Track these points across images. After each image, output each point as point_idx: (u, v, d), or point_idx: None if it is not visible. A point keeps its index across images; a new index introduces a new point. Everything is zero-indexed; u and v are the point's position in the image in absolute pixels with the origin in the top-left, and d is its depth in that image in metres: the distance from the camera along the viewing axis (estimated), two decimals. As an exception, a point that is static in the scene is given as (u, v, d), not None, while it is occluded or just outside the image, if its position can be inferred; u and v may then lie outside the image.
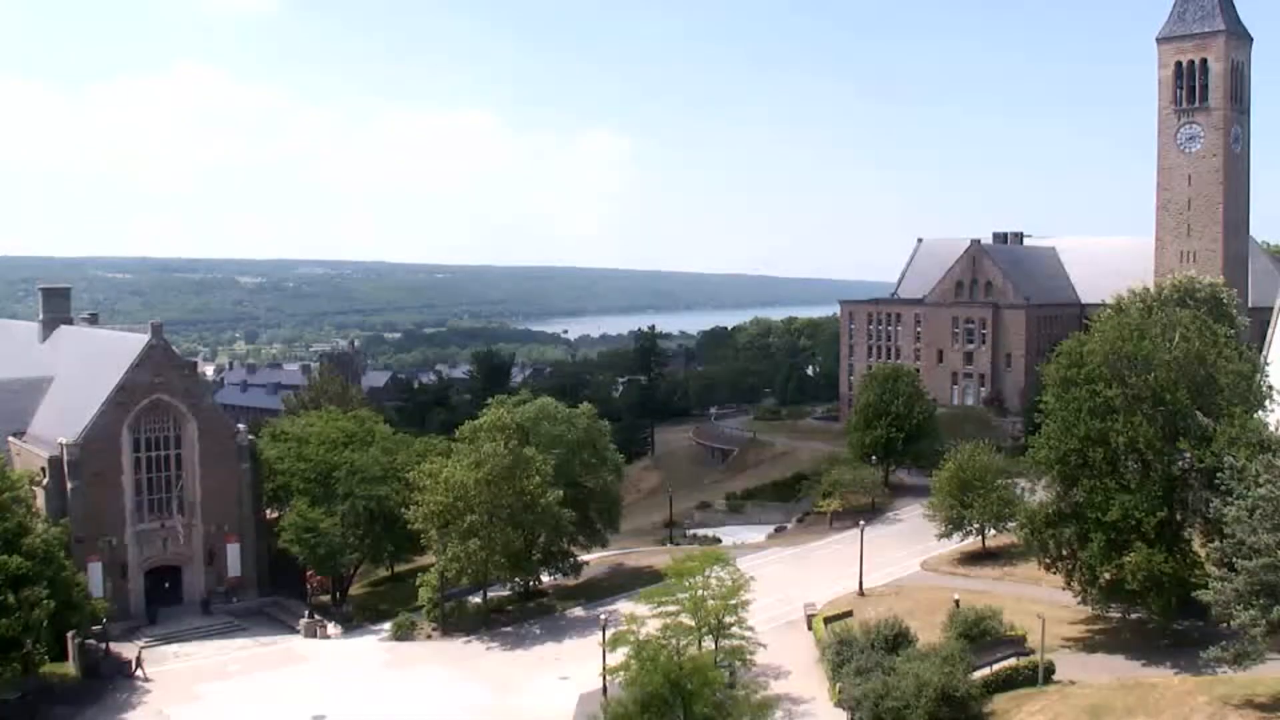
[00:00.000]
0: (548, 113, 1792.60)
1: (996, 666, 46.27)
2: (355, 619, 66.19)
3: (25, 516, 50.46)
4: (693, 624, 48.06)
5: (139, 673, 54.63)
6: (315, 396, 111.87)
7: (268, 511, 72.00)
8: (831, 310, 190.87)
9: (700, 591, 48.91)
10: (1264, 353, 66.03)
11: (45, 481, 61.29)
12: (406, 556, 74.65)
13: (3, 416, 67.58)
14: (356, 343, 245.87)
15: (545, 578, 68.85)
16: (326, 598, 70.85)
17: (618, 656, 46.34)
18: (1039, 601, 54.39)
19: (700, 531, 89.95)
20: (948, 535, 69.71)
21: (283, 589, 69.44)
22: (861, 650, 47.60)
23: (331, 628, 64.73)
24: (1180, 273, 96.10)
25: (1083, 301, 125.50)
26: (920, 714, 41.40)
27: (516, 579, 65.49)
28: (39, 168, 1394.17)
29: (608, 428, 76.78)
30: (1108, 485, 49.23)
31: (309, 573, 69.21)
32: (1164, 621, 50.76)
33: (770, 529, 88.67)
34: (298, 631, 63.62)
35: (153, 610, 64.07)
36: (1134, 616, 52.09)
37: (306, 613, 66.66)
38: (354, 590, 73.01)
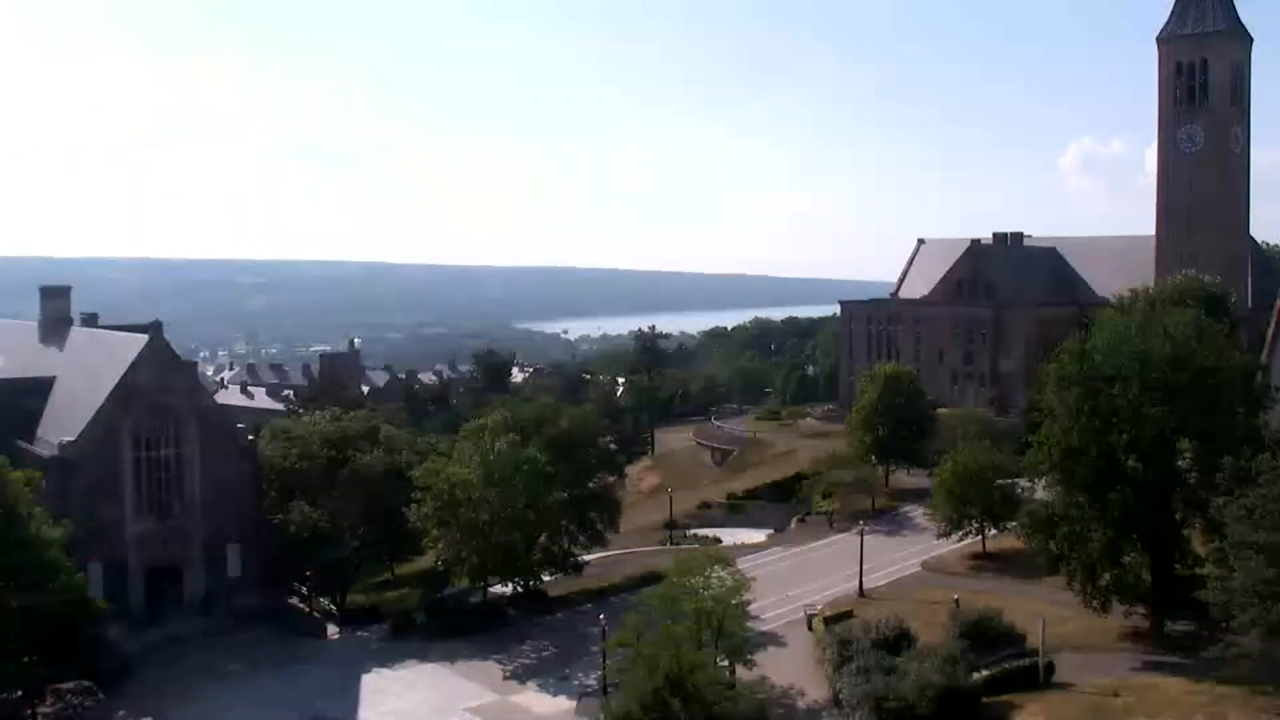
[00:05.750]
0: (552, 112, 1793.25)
1: (997, 667, 46.29)
2: (355, 619, 66.13)
3: (25, 517, 50.35)
4: (693, 624, 48.03)
5: None
6: (315, 396, 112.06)
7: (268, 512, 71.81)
8: (832, 310, 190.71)
9: (700, 592, 48.89)
10: (1264, 352, 66.12)
11: (45, 482, 61.11)
12: (406, 557, 74.62)
13: (2, 416, 67.42)
14: (356, 343, 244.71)
15: (545, 578, 68.78)
16: (327, 598, 70.76)
17: (618, 657, 46.38)
18: (1039, 601, 54.39)
19: (700, 531, 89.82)
20: (948, 535, 69.72)
21: (283, 589, 69.37)
22: (862, 650, 47.57)
23: (331, 628, 64.71)
24: (1180, 273, 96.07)
25: (1083, 301, 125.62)
26: (921, 714, 41.42)
27: (516, 579, 65.44)
28: (38, 167, 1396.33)
29: (608, 427, 76.80)
30: (1108, 485, 49.25)
31: (309, 573, 69.11)
32: (1164, 621, 50.79)
33: (770, 529, 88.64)
34: (298, 632, 63.58)
35: (153, 610, 63.99)
36: (1134, 616, 52.11)
37: (307, 613, 66.62)
38: (354, 591, 72.95)
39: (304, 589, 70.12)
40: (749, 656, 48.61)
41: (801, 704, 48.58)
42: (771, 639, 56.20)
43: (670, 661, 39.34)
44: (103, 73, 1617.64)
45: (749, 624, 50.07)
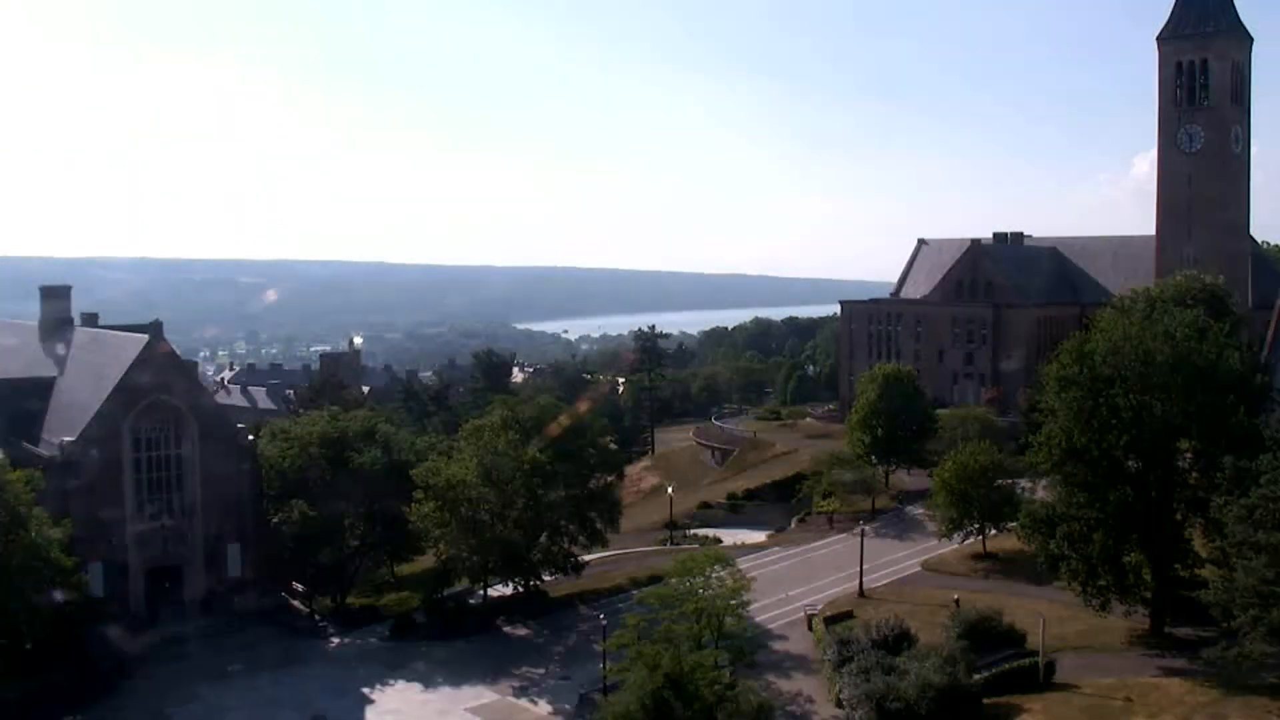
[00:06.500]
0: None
1: (997, 667, 46.28)
2: (355, 619, 66.12)
3: (25, 517, 50.39)
4: (693, 624, 48.04)
5: None
6: (315, 396, 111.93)
7: (268, 512, 71.82)
8: (832, 310, 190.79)
9: (701, 592, 48.89)
10: (1265, 352, 66.14)
11: (45, 482, 61.11)
12: (406, 557, 74.57)
13: (2, 417, 67.41)
14: (357, 342, 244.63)
15: (545, 578, 68.76)
16: (327, 598, 70.75)
17: (618, 657, 46.36)
18: (1039, 601, 54.42)
19: (700, 531, 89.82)
20: (948, 535, 69.72)
21: (283, 589, 69.38)
22: (863, 650, 47.57)
23: (332, 628, 64.69)
24: (1180, 273, 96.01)
25: (1083, 301, 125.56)
26: (921, 714, 41.41)
27: (517, 579, 65.47)
28: (39, 167, 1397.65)
29: (608, 427, 76.73)
30: (1108, 485, 49.24)
31: (309, 573, 69.13)
32: (1163, 622, 50.78)
33: (770, 529, 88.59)
34: (298, 632, 63.57)
35: (153, 610, 63.99)
36: (1134, 617, 52.11)
37: (307, 613, 66.58)
38: (354, 591, 72.95)
39: (304, 589, 70.08)
40: (749, 656, 48.63)
41: (801, 704, 48.59)
42: (772, 639, 56.23)
43: (670, 661, 39.33)
44: (103, 72, 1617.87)
45: (749, 624, 50.01)
